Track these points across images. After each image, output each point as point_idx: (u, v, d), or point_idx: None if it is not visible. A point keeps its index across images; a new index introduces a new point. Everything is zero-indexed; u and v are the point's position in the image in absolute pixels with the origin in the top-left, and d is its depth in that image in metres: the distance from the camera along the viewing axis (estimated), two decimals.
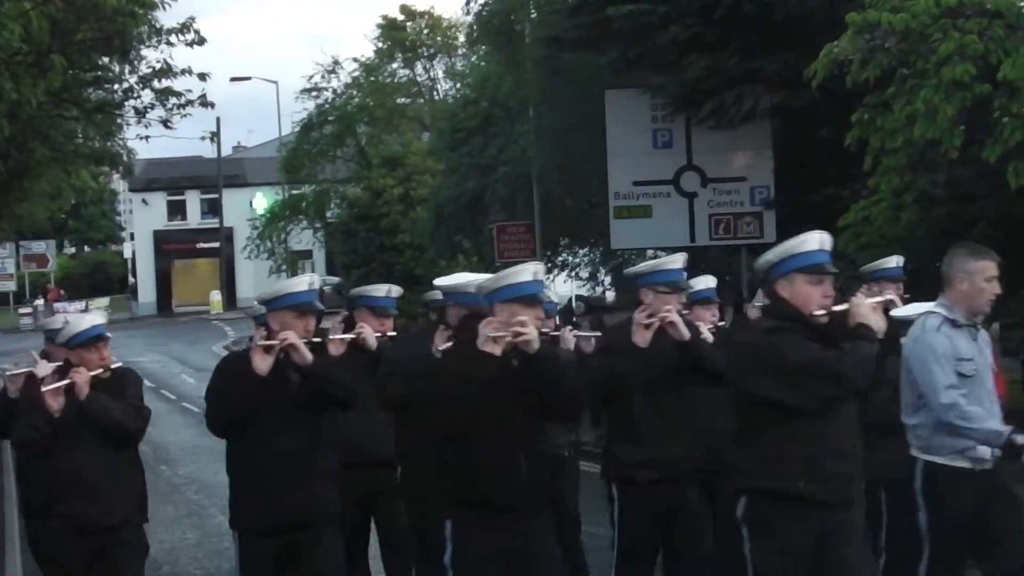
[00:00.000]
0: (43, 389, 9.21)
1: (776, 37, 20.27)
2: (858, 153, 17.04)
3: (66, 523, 9.35)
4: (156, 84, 28.07)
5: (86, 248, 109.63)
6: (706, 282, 11.09)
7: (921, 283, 18.97)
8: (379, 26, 57.66)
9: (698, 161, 24.76)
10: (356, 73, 57.19)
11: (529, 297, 7.36)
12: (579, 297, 46.04)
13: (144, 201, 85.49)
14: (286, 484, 8.21)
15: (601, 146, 25.11)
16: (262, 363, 8.12)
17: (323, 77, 57.61)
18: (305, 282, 8.47)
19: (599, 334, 10.98)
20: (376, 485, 10.56)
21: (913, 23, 15.72)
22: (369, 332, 10.59)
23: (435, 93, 57.98)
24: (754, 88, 21.97)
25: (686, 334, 8.91)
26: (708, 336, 9.47)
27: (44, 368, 9.45)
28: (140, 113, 28.63)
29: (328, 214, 58.36)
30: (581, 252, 38.20)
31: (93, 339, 9.45)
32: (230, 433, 8.40)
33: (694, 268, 10.34)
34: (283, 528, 8.23)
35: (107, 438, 9.35)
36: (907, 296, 10.47)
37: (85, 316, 9.74)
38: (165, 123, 28.39)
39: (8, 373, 8.49)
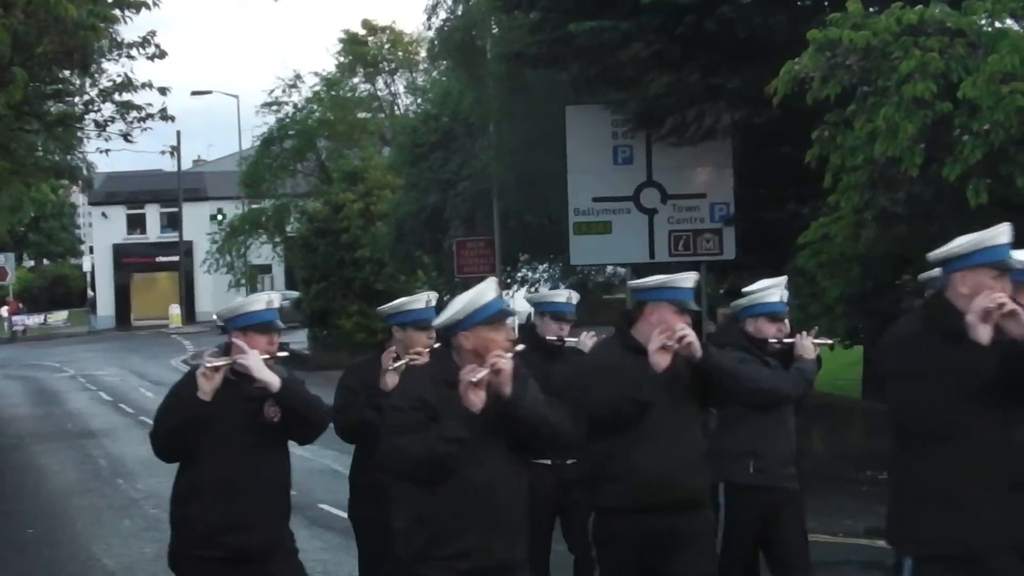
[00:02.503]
0: (395, 366, 9.04)
1: (738, 54, 20.22)
2: (818, 170, 16.99)
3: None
4: (117, 97, 27.97)
5: (45, 261, 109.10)
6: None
7: (880, 301, 19.14)
8: (341, 40, 57.62)
9: (658, 177, 24.67)
10: (317, 87, 57.16)
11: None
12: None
13: (104, 214, 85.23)
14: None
15: (561, 162, 25.02)
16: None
17: (284, 91, 57.58)
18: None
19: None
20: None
21: (874, 41, 15.69)
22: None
23: (396, 108, 57.89)
24: (715, 105, 21.90)
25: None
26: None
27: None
28: (100, 126, 28.51)
29: (288, 228, 58.21)
30: (541, 268, 38.15)
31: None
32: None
33: None
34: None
35: None
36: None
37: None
38: (125, 136, 28.28)
39: (206, 366, 7.92)
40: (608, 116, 24.32)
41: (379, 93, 58.45)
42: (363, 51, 57.11)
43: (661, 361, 7.97)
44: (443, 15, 31.85)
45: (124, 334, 75.89)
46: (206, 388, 7.84)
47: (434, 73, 43.88)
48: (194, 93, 63.57)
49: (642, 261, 25.25)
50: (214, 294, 72.12)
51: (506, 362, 6.97)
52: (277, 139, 57.10)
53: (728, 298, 25.03)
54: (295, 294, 54.48)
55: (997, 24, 15.56)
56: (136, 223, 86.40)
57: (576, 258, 26.70)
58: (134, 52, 26.32)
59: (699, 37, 20.43)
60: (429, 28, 33.68)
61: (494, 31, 29.93)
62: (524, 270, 38.31)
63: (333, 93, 56.82)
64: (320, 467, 23.31)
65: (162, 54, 25.86)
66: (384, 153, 52.88)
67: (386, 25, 57.72)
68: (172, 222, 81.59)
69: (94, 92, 27.86)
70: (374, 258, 44.73)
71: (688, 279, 8.37)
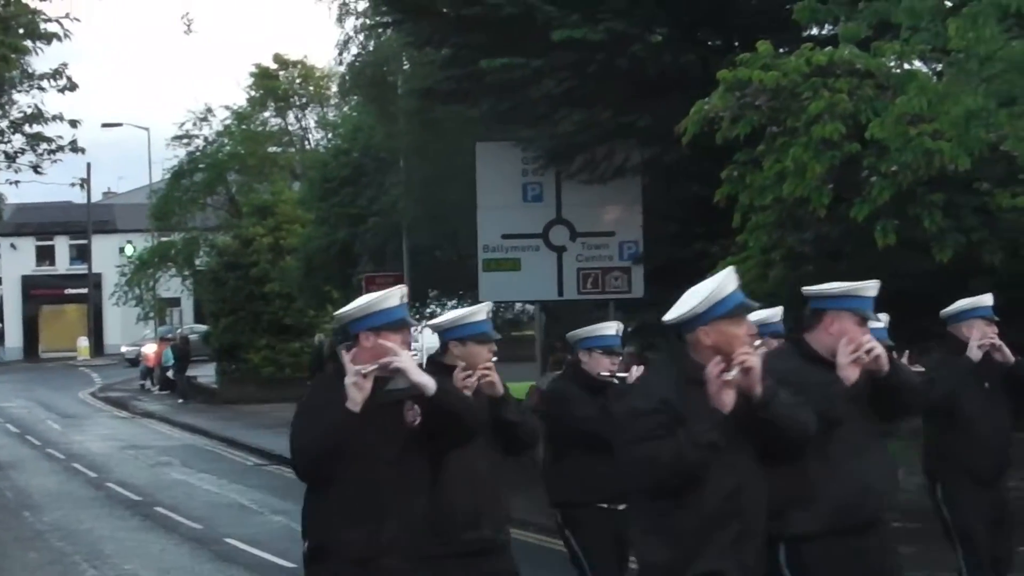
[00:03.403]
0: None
1: (649, 92, 20.17)
2: (727, 209, 16.95)
3: None
4: (27, 129, 27.62)
5: None
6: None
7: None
8: (252, 75, 57.28)
9: (568, 215, 24.54)
10: (228, 121, 56.74)
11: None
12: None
13: (12, 246, 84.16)
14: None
15: (471, 198, 24.85)
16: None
17: (195, 124, 57.11)
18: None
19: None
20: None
21: (784, 81, 15.66)
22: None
23: (306, 142, 57.59)
24: (625, 143, 21.82)
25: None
26: None
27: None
28: (10, 158, 28.17)
29: (197, 262, 57.72)
30: (450, 304, 37.94)
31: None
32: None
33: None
34: None
35: None
36: None
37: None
38: (35, 168, 27.98)
39: (360, 372, 6.98)
40: (518, 153, 24.18)
41: (290, 127, 58.18)
42: (274, 85, 56.80)
43: (852, 375, 7.32)
44: (354, 50, 31.71)
45: (32, 366, 74.97)
46: (357, 398, 6.94)
47: (345, 108, 43.68)
48: (105, 125, 62.87)
49: (550, 299, 25.17)
50: (123, 327, 71.50)
51: (756, 359, 6.51)
52: (187, 172, 56.64)
53: (635, 336, 24.97)
54: (204, 328, 54.00)
55: (906, 66, 15.55)
56: (45, 255, 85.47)
57: (485, 295, 26.45)
58: (45, 84, 26.04)
59: (610, 75, 20.37)
60: (340, 63, 33.53)
61: (405, 67, 29.81)
62: (433, 306, 38.10)
63: (244, 127, 56.48)
64: (227, 501, 23.05)
65: (73, 86, 25.63)
66: (294, 187, 52.59)
67: (297, 60, 57.53)
68: (81, 254, 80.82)
69: (4, 124, 27.52)
70: (283, 292, 44.42)
71: (872, 288, 7.75)
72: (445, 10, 22.99)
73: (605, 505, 10.14)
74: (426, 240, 30.96)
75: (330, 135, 46.62)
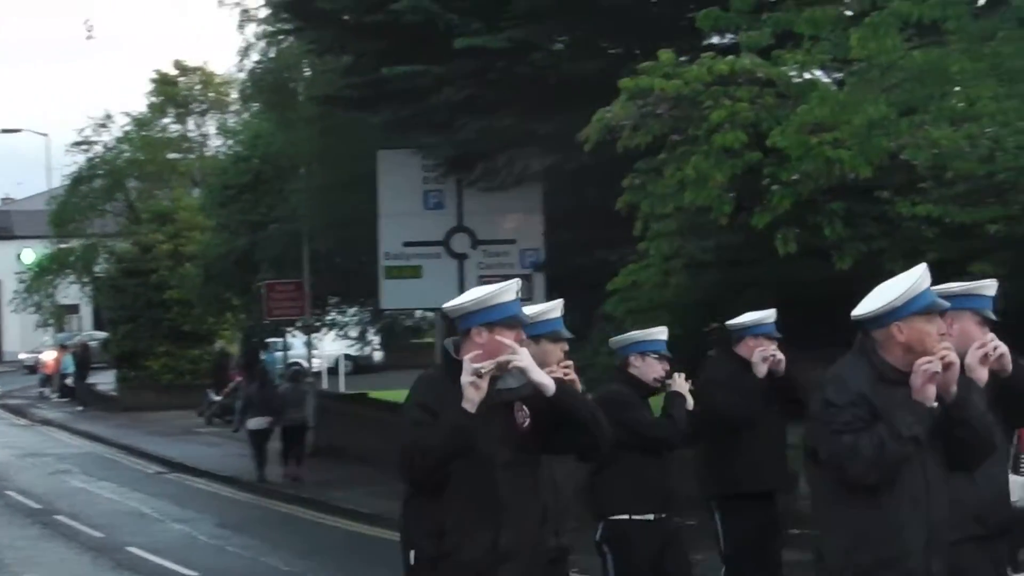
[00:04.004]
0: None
1: (550, 100, 20.00)
2: (629, 217, 16.81)
3: None
4: None
5: None
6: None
7: (689, 348, 19.04)
8: (152, 80, 56.58)
9: (469, 222, 24.40)
10: (128, 127, 56.01)
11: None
12: (347, 356, 45.57)
13: None
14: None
15: (373, 206, 24.63)
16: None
17: (94, 130, 56.27)
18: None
19: None
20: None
21: (685, 90, 15.56)
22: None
23: (206, 149, 56.98)
24: (526, 151, 21.66)
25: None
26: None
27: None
28: None
29: (96, 268, 56.91)
30: (350, 311, 37.65)
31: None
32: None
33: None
34: None
35: None
36: None
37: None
38: None
39: (478, 370, 6.48)
40: (419, 160, 24.02)
41: (190, 134, 57.49)
42: (174, 91, 56.13)
43: (983, 375, 6.88)
44: (255, 57, 31.31)
45: None
46: (475, 398, 6.48)
47: (245, 115, 43.15)
48: (2, 131, 61.96)
49: None
50: (21, 334, 70.42)
51: (955, 356, 6.27)
52: (86, 178, 55.78)
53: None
54: (103, 335, 53.32)
55: (807, 75, 15.54)
56: None
57: (386, 302, 26.30)
58: None
59: (512, 82, 20.21)
60: (241, 70, 33.10)
61: (306, 74, 29.52)
62: (333, 313, 37.78)
63: (143, 133, 55.74)
64: (128, 509, 22.76)
65: None
66: (194, 194, 52.04)
67: (198, 66, 56.88)
68: None
69: None
70: (183, 299, 43.89)
71: (991, 286, 7.43)
72: (346, 17, 22.76)
73: (652, 517, 9.78)
74: (327, 247, 30.67)
75: (230, 142, 46.02)
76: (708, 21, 15.55)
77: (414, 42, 20.80)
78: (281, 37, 28.96)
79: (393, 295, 25.18)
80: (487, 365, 6.50)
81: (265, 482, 25.62)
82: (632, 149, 15.99)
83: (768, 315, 10.63)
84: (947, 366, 6.21)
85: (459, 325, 6.79)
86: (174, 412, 39.89)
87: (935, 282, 6.60)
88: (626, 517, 9.77)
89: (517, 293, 6.78)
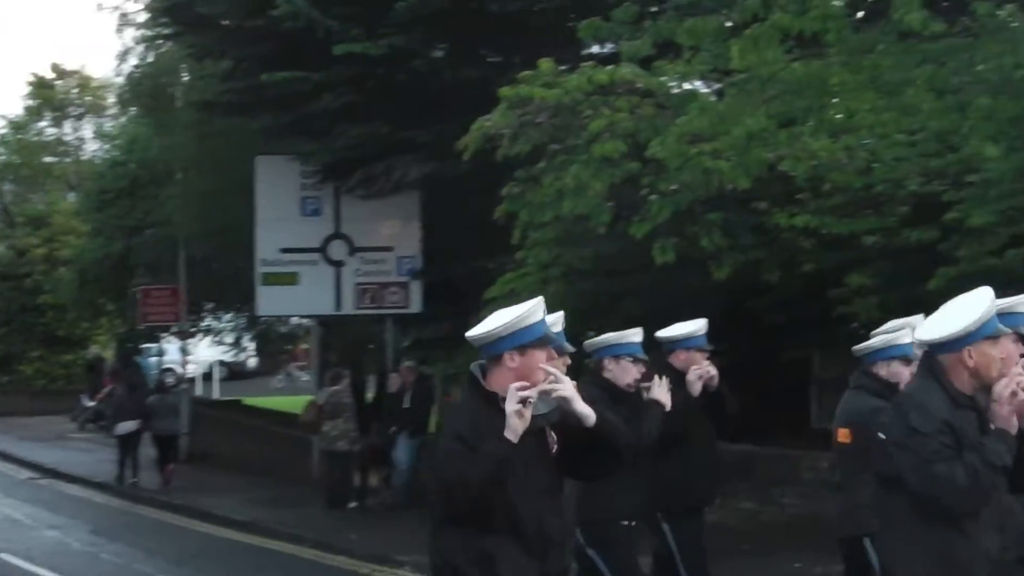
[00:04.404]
0: None
1: (429, 108, 19.77)
2: (508, 226, 16.61)
3: None
4: None
5: None
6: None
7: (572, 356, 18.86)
8: (29, 83, 55.61)
9: (346, 229, 24.08)
10: (3, 130, 55.00)
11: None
12: (221, 362, 45.06)
13: None
14: None
15: (250, 212, 24.22)
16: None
17: None
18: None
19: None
20: None
21: (565, 99, 15.40)
22: None
23: (83, 153, 56.08)
24: (404, 158, 21.34)
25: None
26: None
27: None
28: None
29: None
30: (226, 317, 37.18)
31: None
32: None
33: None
34: None
35: None
36: None
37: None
38: None
39: (526, 398, 6.11)
40: (297, 167, 23.67)
41: (66, 138, 56.55)
42: (51, 95, 55.21)
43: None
44: (134, 61, 30.80)
45: None
46: (519, 428, 6.09)
47: (123, 119, 42.47)
48: None
49: (328, 313, 24.64)
50: None
51: None
52: None
53: (412, 351, 24.56)
54: None
55: (686, 86, 15.41)
56: None
57: (263, 308, 25.87)
58: None
59: (390, 90, 19.95)
60: (119, 74, 32.60)
61: (184, 79, 29.07)
62: (209, 319, 37.29)
63: (19, 136, 54.79)
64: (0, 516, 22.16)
65: None
66: (70, 198, 51.22)
67: (75, 69, 55.99)
68: None
69: None
70: (57, 304, 43.16)
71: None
72: (226, 22, 22.39)
73: (626, 523, 9.51)
74: (203, 252, 30.19)
75: (107, 146, 45.31)
76: (589, 31, 15.34)
77: (294, 48, 20.48)
78: (160, 41, 28.57)
79: (270, 301, 24.78)
80: (531, 394, 6.15)
81: (125, 486, 25.16)
82: (511, 158, 15.80)
83: (699, 327, 10.28)
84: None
85: (487, 351, 6.39)
86: (47, 417, 39.12)
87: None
88: (605, 521, 9.52)
89: (544, 312, 6.43)
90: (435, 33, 20.59)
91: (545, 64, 15.68)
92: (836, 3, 13.35)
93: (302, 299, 24.43)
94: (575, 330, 18.75)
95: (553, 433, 6.39)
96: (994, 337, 6.19)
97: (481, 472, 6.08)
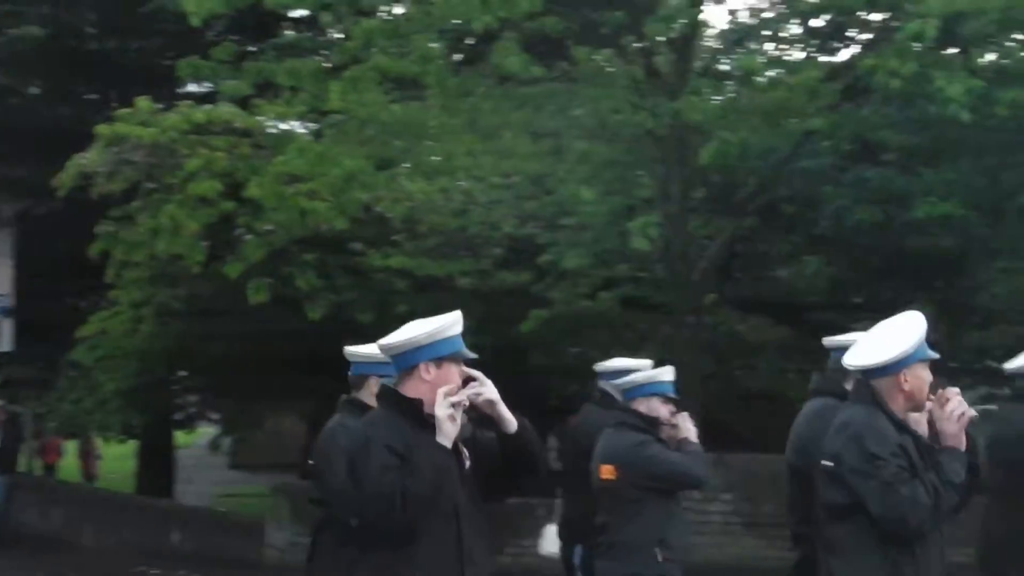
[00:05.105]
0: None
1: (25, 145, 18.85)
2: (102, 264, 15.99)
3: None
4: None
5: None
6: None
7: (156, 396, 18.23)
8: None
9: None
10: None
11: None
12: None
13: None
14: None
15: None
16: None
17: None
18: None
19: None
20: None
21: (162, 137, 15.02)
22: None
23: None
24: None
25: None
26: None
27: None
28: None
29: None
30: None
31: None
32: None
33: None
34: None
35: None
36: None
37: None
38: None
39: (454, 402, 5.18)
40: None
41: None
42: None
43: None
44: None
45: None
46: (452, 433, 5.57)
47: None
48: None
49: None
50: None
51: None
52: None
53: (2, 390, 23.39)
54: None
55: (284, 126, 15.10)
56: None
57: None
58: None
59: None
60: None
61: None
62: None
63: None
64: None
65: None
66: None
67: None
68: None
69: None
70: None
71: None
72: None
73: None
74: None
75: None
76: (188, 69, 14.80)
77: None
78: None
79: None
80: (462, 397, 5.63)
81: None
82: (107, 196, 15.24)
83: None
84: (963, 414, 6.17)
85: (402, 361, 5.79)
86: None
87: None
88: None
89: (462, 326, 5.86)
90: (31, 70, 19.81)
91: (143, 103, 15.31)
92: (435, 46, 13.20)
93: None
94: (167, 369, 18.28)
95: (465, 448, 5.84)
96: (925, 360, 6.16)
97: (424, 483, 5.55)
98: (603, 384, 8.99)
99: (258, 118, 14.81)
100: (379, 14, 13.65)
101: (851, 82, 14.41)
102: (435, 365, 5.69)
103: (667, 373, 8.27)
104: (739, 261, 17.70)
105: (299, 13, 17.83)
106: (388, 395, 5.83)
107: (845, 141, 14.72)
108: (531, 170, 14.05)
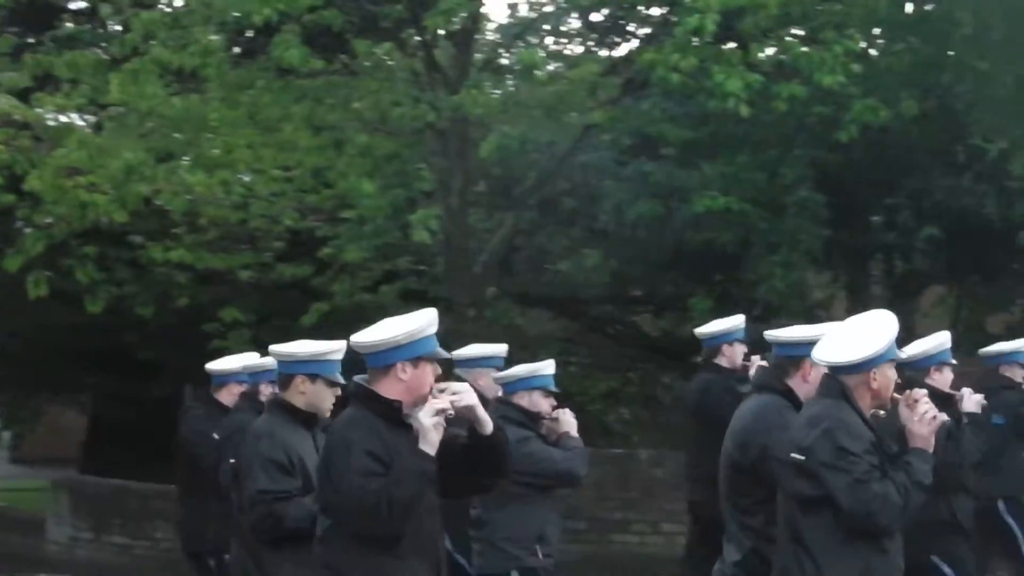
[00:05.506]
0: None
1: None
2: None
3: None
4: None
5: None
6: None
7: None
8: None
9: None
10: None
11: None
12: None
13: None
14: None
15: None
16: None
17: None
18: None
19: None
20: None
21: None
22: None
23: None
24: None
25: None
26: None
27: None
28: None
29: None
30: None
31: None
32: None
33: None
34: None
35: None
36: None
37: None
38: None
39: (441, 409, 5.41)
40: None
41: None
42: None
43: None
44: None
45: None
46: (436, 440, 5.39)
47: None
48: None
49: None
50: None
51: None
52: None
53: None
54: None
55: (64, 119, 14.73)
56: None
57: None
58: None
59: None
60: None
61: None
62: None
63: None
64: None
65: None
66: None
67: None
68: None
69: None
70: None
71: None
72: None
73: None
74: None
75: None
76: None
77: None
78: None
79: None
80: (447, 405, 5.48)
81: None
82: None
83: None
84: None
85: (376, 360, 5.64)
86: None
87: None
88: None
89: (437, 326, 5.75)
90: None
91: None
92: (215, 39, 13.03)
93: None
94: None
95: None
96: (893, 360, 6.17)
97: (408, 490, 5.40)
98: (459, 371, 8.51)
99: (37, 110, 14.41)
100: (159, 7, 13.46)
101: (631, 76, 14.57)
102: (412, 365, 5.60)
103: (548, 367, 8.02)
104: (520, 254, 17.74)
105: (78, 5, 17.50)
106: (364, 394, 5.67)
107: (625, 135, 14.86)
108: (312, 163, 13.93)
